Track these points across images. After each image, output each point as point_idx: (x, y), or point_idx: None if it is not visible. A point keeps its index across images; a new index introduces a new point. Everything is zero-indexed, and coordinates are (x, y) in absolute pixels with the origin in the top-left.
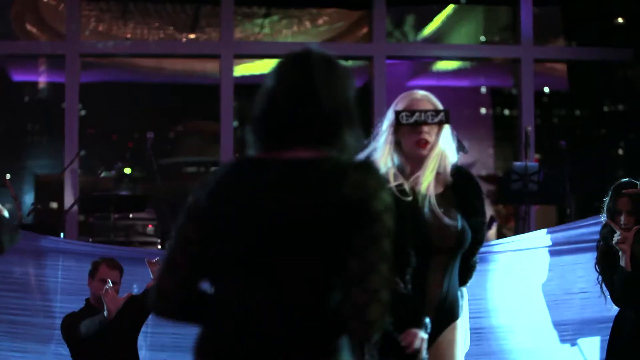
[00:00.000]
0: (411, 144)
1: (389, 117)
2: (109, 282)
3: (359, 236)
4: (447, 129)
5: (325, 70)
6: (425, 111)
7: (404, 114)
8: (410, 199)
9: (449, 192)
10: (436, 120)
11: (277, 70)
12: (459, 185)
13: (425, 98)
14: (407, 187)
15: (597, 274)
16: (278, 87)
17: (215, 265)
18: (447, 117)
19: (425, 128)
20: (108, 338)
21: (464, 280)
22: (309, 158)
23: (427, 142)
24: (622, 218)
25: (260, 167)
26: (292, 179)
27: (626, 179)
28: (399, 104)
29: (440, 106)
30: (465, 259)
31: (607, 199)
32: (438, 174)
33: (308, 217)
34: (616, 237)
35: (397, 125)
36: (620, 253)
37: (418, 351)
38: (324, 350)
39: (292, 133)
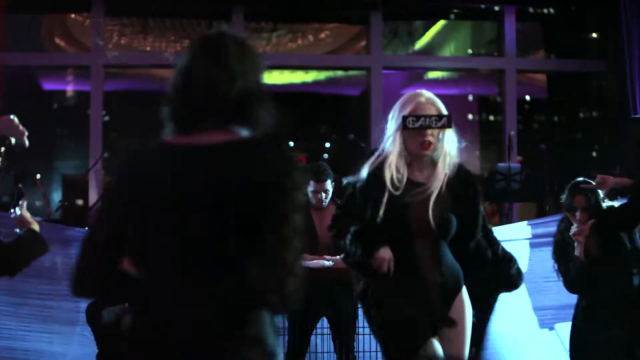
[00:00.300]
0: (415, 146)
1: (396, 121)
2: None
3: (271, 214)
4: (450, 131)
5: (237, 50)
6: (430, 116)
7: (410, 119)
8: (399, 192)
9: (447, 186)
10: (439, 125)
11: (190, 51)
12: (457, 181)
13: (430, 102)
14: (403, 179)
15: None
16: (191, 67)
17: (134, 247)
18: (450, 122)
19: (429, 131)
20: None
21: (482, 259)
22: (222, 142)
23: (430, 144)
24: (578, 214)
25: (176, 151)
26: (206, 163)
27: (581, 179)
28: (405, 107)
29: (443, 109)
30: (464, 245)
31: (564, 197)
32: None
33: (222, 198)
34: (573, 229)
35: (404, 129)
36: (575, 244)
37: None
38: (244, 322)
39: (205, 113)
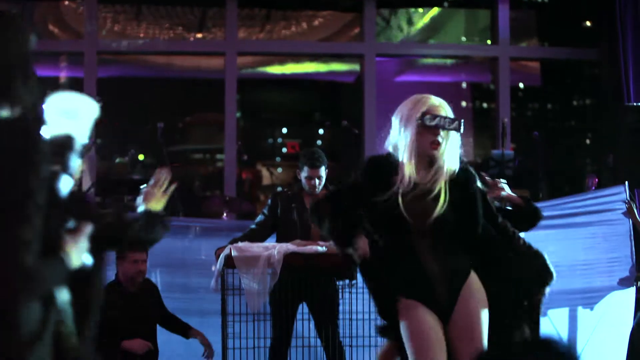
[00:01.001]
0: (426, 144)
1: (408, 119)
2: None
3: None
4: (457, 136)
5: None
6: (446, 117)
7: (428, 116)
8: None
9: (449, 187)
10: (452, 127)
11: None
12: (457, 182)
13: (442, 105)
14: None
15: (570, 248)
16: None
17: None
18: (461, 126)
19: (441, 132)
20: (133, 313)
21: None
22: None
23: (439, 144)
24: None
25: None
26: None
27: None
28: (418, 107)
29: (452, 114)
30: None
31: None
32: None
33: None
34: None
35: (421, 126)
36: None
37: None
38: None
39: None
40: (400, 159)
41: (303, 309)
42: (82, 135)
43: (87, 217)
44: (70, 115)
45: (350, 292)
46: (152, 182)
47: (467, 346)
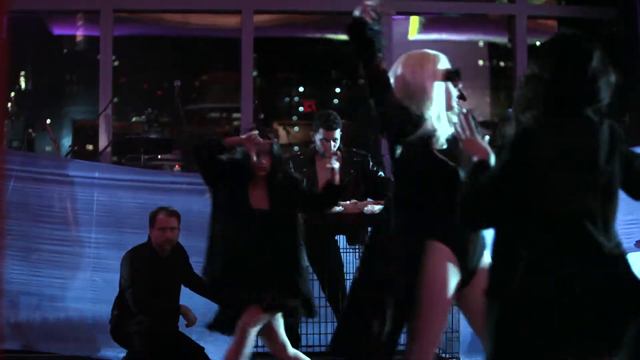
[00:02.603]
0: (451, 99)
1: (435, 74)
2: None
3: None
4: None
5: None
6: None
7: (453, 72)
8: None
9: None
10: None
11: None
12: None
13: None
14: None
15: None
16: None
17: None
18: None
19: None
20: (162, 276)
21: None
22: None
23: (466, 99)
24: None
25: None
26: None
27: None
28: (437, 64)
29: None
30: None
31: None
32: None
33: None
34: None
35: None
36: None
37: None
38: None
39: None
40: (420, 114)
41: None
42: None
43: None
44: None
45: None
46: None
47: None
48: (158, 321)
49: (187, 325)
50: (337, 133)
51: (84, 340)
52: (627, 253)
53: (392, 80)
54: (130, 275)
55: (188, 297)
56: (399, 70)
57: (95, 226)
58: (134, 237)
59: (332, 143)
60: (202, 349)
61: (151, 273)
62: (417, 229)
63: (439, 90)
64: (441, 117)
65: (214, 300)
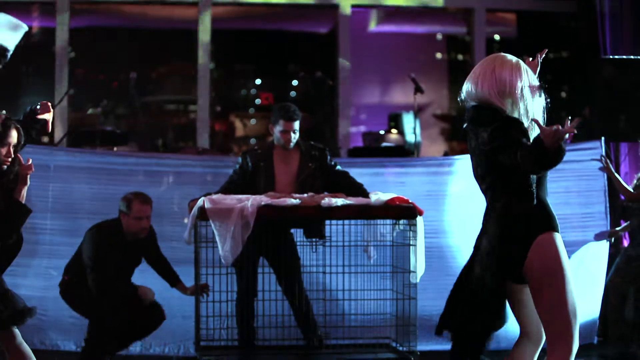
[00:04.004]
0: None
1: (533, 83)
2: None
3: None
4: None
5: None
6: None
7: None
8: None
9: None
10: None
11: None
12: None
13: None
14: None
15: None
16: None
17: None
18: None
19: None
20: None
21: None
22: None
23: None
24: None
25: None
26: None
27: None
28: (528, 71)
29: None
30: None
31: None
32: None
33: None
34: None
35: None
36: None
37: None
38: None
39: None
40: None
41: (263, 263)
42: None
43: None
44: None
45: (324, 245)
46: None
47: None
48: (119, 303)
49: (144, 303)
50: (297, 124)
51: (36, 329)
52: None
53: (487, 80)
54: (95, 257)
55: None
56: (500, 72)
57: (51, 212)
58: (89, 223)
59: (292, 135)
60: (160, 306)
61: (115, 256)
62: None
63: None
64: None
65: (171, 284)
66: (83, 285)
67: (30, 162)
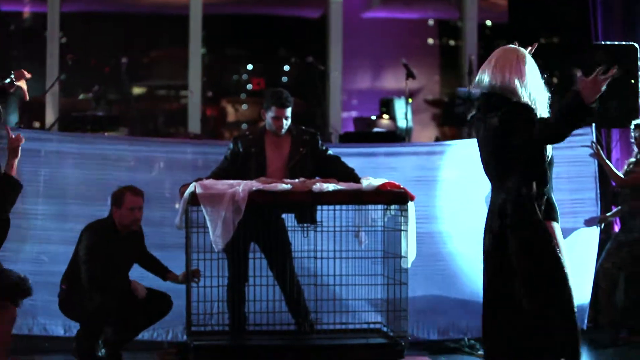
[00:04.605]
0: None
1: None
2: None
3: None
4: None
5: None
6: None
7: None
8: None
9: None
10: None
11: None
12: None
13: None
14: None
15: None
16: None
17: None
18: None
19: None
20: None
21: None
22: None
23: None
24: None
25: None
26: None
27: None
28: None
29: None
30: None
31: None
32: None
33: None
34: None
35: None
36: None
37: None
38: None
39: None
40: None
41: (254, 248)
42: None
43: None
44: None
45: (315, 231)
46: None
47: None
48: (109, 297)
49: (138, 298)
50: (289, 111)
51: (25, 314)
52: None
53: (514, 71)
54: (89, 252)
55: None
56: (523, 64)
57: (43, 197)
58: (80, 208)
59: (284, 121)
60: (168, 296)
61: (109, 251)
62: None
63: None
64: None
65: (163, 278)
66: (81, 293)
67: (20, 135)
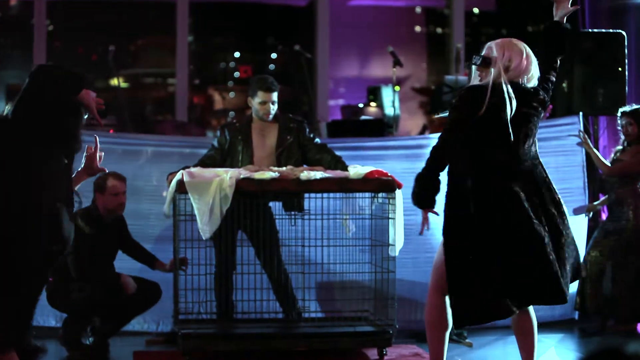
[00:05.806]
0: None
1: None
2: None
3: None
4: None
5: None
6: None
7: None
8: None
9: None
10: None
11: None
12: None
13: None
14: None
15: None
16: None
17: None
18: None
19: None
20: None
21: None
22: None
23: None
24: None
25: None
26: None
27: None
28: None
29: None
30: None
31: None
32: None
33: None
34: None
35: None
36: None
37: None
38: None
39: None
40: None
41: (242, 236)
42: None
43: None
44: None
45: (302, 219)
46: None
47: None
48: (97, 286)
49: (126, 293)
50: (275, 95)
51: None
52: None
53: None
54: (74, 241)
55: None
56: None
57: None
58: None
59: (271, 106)
60: (157, 285)
61: (94, 239)
62: None
63: None
64: None
65: (151, 266)
66: (68, 284)
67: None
